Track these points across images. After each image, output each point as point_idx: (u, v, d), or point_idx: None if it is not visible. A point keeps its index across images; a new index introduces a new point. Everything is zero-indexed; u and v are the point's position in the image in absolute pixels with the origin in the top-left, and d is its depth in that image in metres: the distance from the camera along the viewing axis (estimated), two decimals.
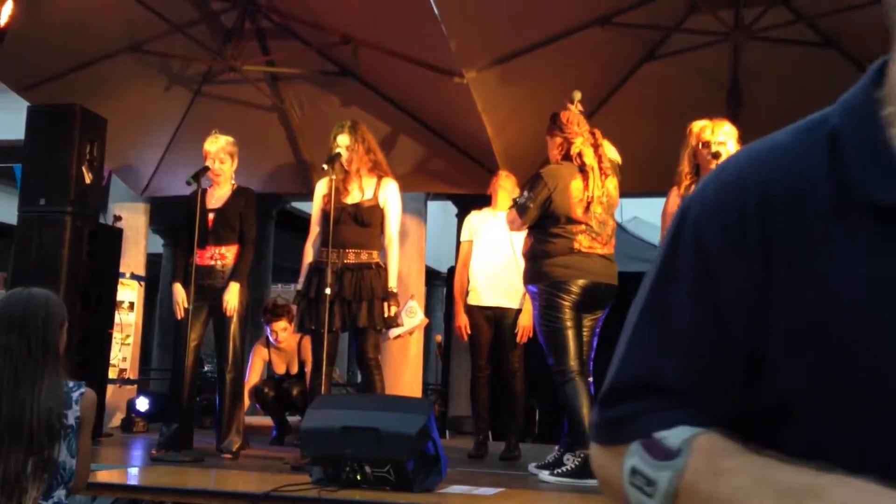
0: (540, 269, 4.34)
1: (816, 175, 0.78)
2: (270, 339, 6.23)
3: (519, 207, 4.42)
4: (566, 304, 4.26)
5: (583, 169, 4.41)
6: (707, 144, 4.38)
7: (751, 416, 0.82)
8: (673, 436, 0.78)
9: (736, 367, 0.80)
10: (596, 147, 4.49)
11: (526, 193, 4.41)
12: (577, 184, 4.37)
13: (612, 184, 4.52)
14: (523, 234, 4.69)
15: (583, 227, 4.35)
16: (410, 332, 6.48)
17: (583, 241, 4.33)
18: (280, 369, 6.28)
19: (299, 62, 6.74)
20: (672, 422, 0.79)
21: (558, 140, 4.52)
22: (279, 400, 6.15)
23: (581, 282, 4.28)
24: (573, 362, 4.21)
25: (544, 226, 4.38)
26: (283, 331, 6.07)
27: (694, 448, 0.77)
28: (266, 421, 6.54)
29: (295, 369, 6.23)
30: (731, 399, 0.81)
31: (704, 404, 0.81)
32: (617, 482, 0.81)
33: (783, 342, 0.78)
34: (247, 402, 6.06)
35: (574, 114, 4.57)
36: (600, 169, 4.46)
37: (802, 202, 0.78)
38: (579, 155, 4.44)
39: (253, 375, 6.18)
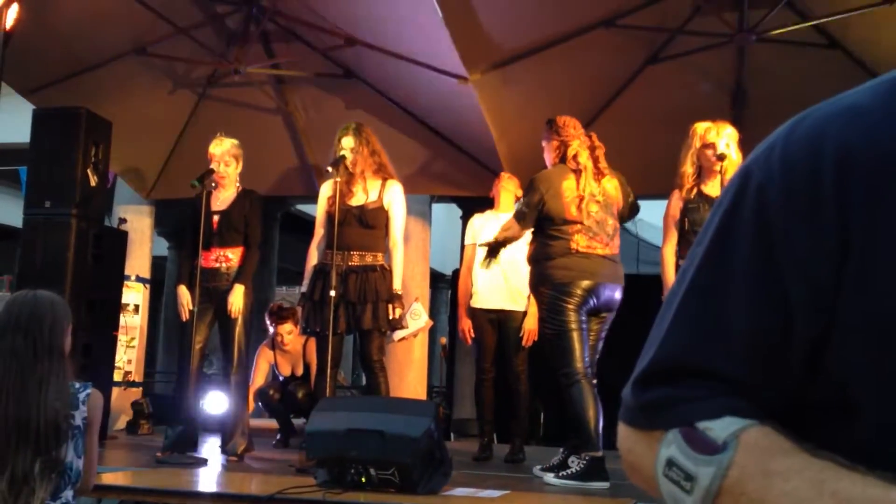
0: (542, 273, 4.35)
1: None
2: (275, 341, 6.23)
3: (516, 214, 4.48)
4: (570, 306, 4.25)
5: (577, 169, 4.43)
6: (711, 146, 4.38)
7: (805, 409, 0.74)
8: (719, 427, 0.70)
9: (795, 354, 0.71)
10: (592, 149, 4.51)
11: (522, 200, 4.46)
12: (568, 183, 4.39)
13: (612, 185, 4.52)
14: (527, 239, 4.70)
15: (578, 226, 4.35)
16: (415, 335, 6.48)
17: (580, 241, 4.33)
18: (285, 371, 6.28)
19: (304, 65, 6.75)
20: (719, 411, 0.71)
21: (555, 143, 4.54)
22: (284, 402, 6.15)
23: (585, 283, 4.28)
24: (578, 364, 4.20)
25: (542, 228, 4.42)
26: (289, 333, 6.07)
27: (742, 443, 0.69)
28: (271, 423, 6.54)
29: (300, 371, 6.23)
30: (786, 390, 0.73)
31: (756, 394, 0.72)
32: (648, 470, 0.75)
33: (854, 331, 0.69)
34: (251, 404, 6.06)
35: (570, 118, 4.59)
36: (597, 169, 4.47)
37: (890, 171, 0.68)
38: (575, 157, 4.46)
39: (258, 378, 6.18)
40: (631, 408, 0.78)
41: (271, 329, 6.19)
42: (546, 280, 4.32)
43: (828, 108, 0.74)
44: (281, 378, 6.31)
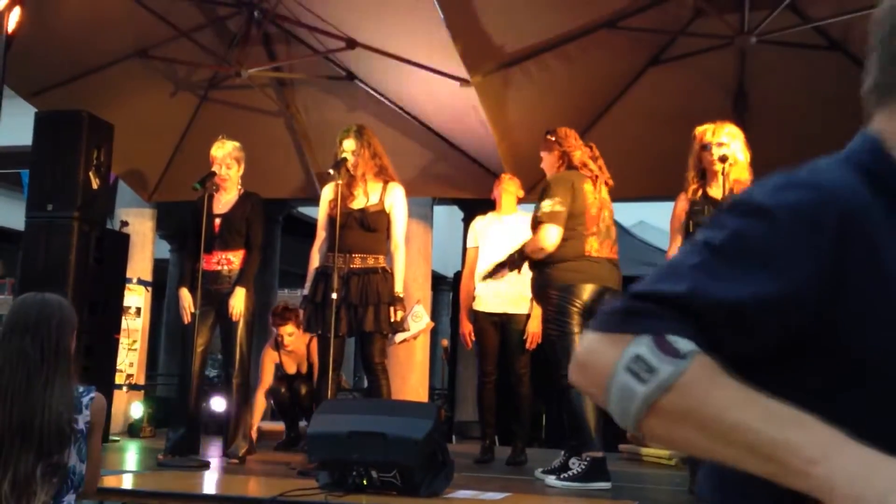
0: (551, 275, 4.32)
1: (867, 195, 0.95)
2: (277, 342, 6.22)
3: (548, 216, 4.28)
4: (576, 309, 4.25)
5: (591, 176, 4.46)
6: (707, 147, 4.39)
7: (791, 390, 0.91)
8: (683, 343, 0.87)
9: (769, 336, 0.92)
10: (594, 160, 4.52)
11: (547, 201, 4.31)
12: (588, 186, 4.40)
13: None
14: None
15: (594, 229, 4.37)
16: (415, 337, 6.48)
17: (593, 245, 4.34)
18: (291, 370, 6.28)
19: (305, 67, 6.76)
20: (685, 334, 0.88)
21: (557, 153, 4.54)
22: (291, 400, 6.18)
23: (591, 287, 4.28)
24: None
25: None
26: (290, 335, 6.06)
27: (697, 359, 0.87)
28: (276, 426, 6.54)
29: (306, 369, 6.23)
30: (750, 358, 0.92)
31: (721, 343, 0.90)
32: (603, 365, 0.90)
33: (859, 322, 0.91)
34: (262, 404, 6.06)
35: (569, 129, 4.60)
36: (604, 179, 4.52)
37: (868, 214, 0.94)
38: (584, 164, 4.47)
39: (266, 378, 6.16)
40: (611, 312, 0.94)
41: (274, 330, 6.19)
42: (555, 282, 4.29)
43: (822, 172, 0.98)
44: (288, 375, 6.30)
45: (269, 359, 6.26)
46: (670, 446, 0.92)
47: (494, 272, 4.66)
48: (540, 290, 4.44)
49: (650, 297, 0.92)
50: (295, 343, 6.11)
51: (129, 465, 5.12)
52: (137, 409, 6.89)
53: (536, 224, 4.37)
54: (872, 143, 1.03)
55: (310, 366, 6.13)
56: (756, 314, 0.90)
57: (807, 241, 0.91)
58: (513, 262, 4.50)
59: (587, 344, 0.94)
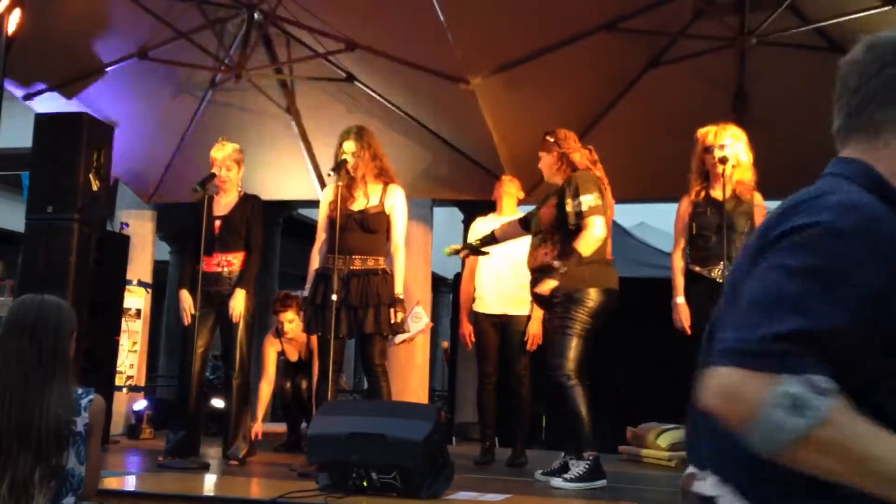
0: (567, 275, 4.26)
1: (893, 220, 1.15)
2: (279, 329, 6.21)
3: (593, 209, 4.23)
4: (586, 311, 4.23)
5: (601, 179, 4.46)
6: (709, 149, 4.39)
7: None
8: (823, 381, 1.03)
9: (864, 346, 1.09)
10: (594, 163, 4.50)
11: (588, 196, 4.25)
12: (604, 189, 4.39)
13: None
14: (527, 241, 4.66)
15: (609, 231, 4.38)
16: (413, 338, 6.49)
17: (608, 246, 4.35)
18: (293, 357, 6.27)
19: (305, 69, 6.76)
20: (820, 371, 1.04)
21: (556, 155, 4.51)
22: (294, 396, 6.17)
23: (601, 289, 4.26)
24: (576, 369, 4.19)
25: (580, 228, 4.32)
26: (290, 322, 6.04)
27: (837, 396, 1.03)
28: (279, 428, 6.53)
29: (306, 356, 6.23)
30: (861, 374, 1.11)
31: (833, 365, 1.05)
32: (752, 398, 1.04)
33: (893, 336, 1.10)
34: (266, 395, 6.03)
35: (569, 132, 4.58)
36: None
37: None
38: (586, 168, 4.45)
39: (269, 368, 6.15)
40: (754, 353, 1.07)
41: (275, 317, 6.18)
42: (568, 283, 4.25)
43: (866, 204, 1.15)
44: (286, 365, 6.30)
45: (272, 347, 6.25)
46: (810, 471, 1.06)
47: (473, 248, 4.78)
48: (554, 291, 4.36)
49: (784, 337, 1.06)
50: (295, 330, 6.08)
51: (129, 466, 5.11)
52: (138, 411, 6.89)
53: (578, 219, 4.26)
54: (867, 169, 1.21)
55: (310, 353, 6.11)
56: (855, 331, 1.07)
57: (874, 259, 1.09)
58: (553, 269, 4.40)
59: (731, 377, 1.08)
